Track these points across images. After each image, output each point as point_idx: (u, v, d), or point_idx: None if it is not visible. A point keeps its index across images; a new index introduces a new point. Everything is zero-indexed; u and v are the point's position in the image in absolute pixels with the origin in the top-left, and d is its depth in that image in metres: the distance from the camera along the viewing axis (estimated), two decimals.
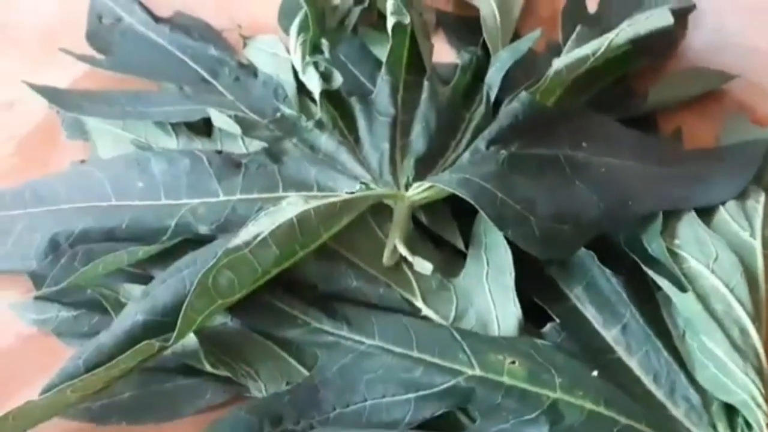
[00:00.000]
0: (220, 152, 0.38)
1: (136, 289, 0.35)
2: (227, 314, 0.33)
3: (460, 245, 0.36)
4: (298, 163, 0.38)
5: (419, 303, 0.34)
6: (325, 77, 0.42)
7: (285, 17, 0.47)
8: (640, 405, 0.30)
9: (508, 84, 0.40)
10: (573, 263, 0.34)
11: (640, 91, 0.45)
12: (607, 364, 0.32)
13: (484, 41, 0.44)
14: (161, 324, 0.31)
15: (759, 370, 0.30)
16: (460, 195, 0.33)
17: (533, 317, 0.33)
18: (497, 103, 0.40)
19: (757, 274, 0.33)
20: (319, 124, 0.40)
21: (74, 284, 0.34)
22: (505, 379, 0.30)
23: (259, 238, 0.30)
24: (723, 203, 0.36)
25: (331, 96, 0.41)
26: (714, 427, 0.30)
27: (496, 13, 0.46)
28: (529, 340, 0.32)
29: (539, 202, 0.33)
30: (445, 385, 0.30)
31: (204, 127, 0.42)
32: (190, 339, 0.33)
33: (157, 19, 0.49)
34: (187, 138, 0.41)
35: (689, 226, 0.34)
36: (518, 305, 0.32)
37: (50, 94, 0.43)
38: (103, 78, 0.47)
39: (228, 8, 0.51)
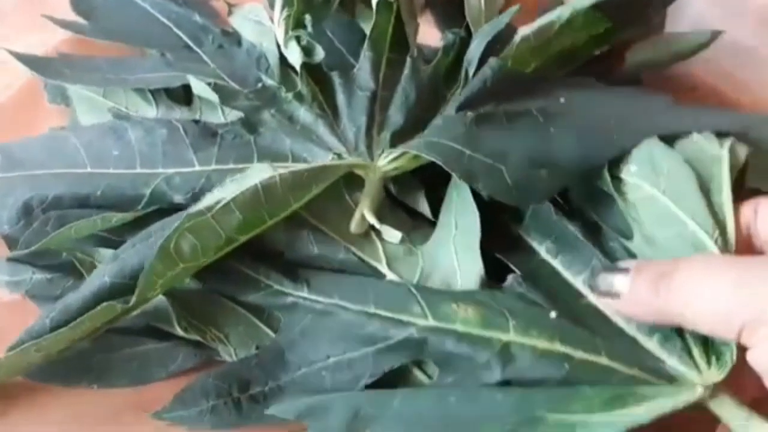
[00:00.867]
0: (197, 122, 0.38)
1: (109, 254, 0.35)
2: (194, 280, 0.34)
3: (428, 213, 0.36)
4: (274, 134, 0.38)
5: (384, 269, 0.34)
6: (307, 51, 0.41)
7: None
8: (611, 342, 0.30)
9: None
10: (540, 217, 0.34)
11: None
12: (578, 309, 0.31)
13: (468, 24, 0.44)
14: (128, 287, 0.31)
15: None
16: (426, 157, 0.33)
17: (500, 279, 0.33)
18: None
19: (722, 186, 0.31)
20: (299, 96, 0.40)
21: (46, 247, 0.34)
22: (458, 327, 0.30)
23: (221, 204, 0.31)
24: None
25: (312, 69, 0.40)
26: (689, 353, 0.29)
27: None
28: (489, 291, 0.32)
29: (511, 152, 0.33)
30: (400, 337, 0.31)
31: (184, 95, 0.42)
32: (161, 300, 0.34)
33: None
34: (166, 106, 0.41)
35: (646, 148, 0.33)
36: (481, 263, 0.32)
37: (31, 61, 0.43)
38: (86, 44, 0.47)
39: None
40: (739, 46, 0.49)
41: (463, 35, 0.43)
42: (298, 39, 0.42)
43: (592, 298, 0.31)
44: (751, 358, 0.26)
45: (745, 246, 0.30)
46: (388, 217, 0.35)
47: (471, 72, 0.39)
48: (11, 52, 0.43)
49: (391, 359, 0.31)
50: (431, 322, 0.31)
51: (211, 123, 0.38)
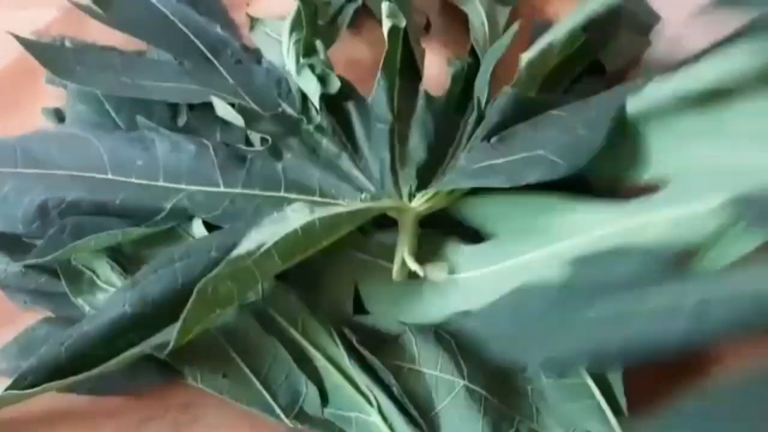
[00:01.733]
0: (227, 144, 0.38)
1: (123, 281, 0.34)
2: None
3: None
4: (301, 165, 0.38)
5: None
6: (322, 80, 0.41)
7: None
8: None
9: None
10: None
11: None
12: None
13: (472, 47, 0.44)
14: (149, 317, 0.31)
15: None
16: (464, 186, 0.33)
17: None
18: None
19: None
20: (320, 129, 0.40)
21: (66, 257, 0.33)
22: None
23: (263, 249, 0.30)
24: None
25: (327, 99, 0.40)
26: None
27: (484, 19, 0.46)
28: None
29: (542, 141, 0.33)
30: None
31: None
32: None
33: None
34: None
35: None
36: None
37: (39, 50, 0.40)
38: (79, 25, 0.46)
39: None
40: None
41: (470, 61, 0.44)
42: (312, 67, 0.41)
43: None
44: None
45: None
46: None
47: (483, 101, 0.40)
48: (17, 37, 0.41)
49: None
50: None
51: (241, 147, 0.38)
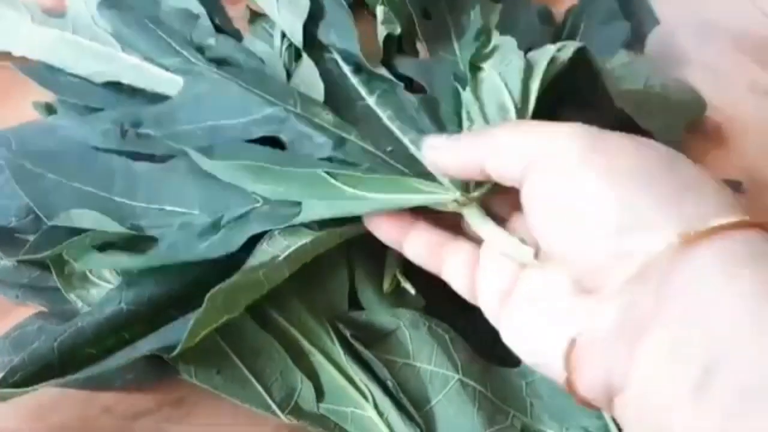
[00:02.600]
0: None
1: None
2: None
3: None
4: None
5: None
6: None
7: None
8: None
9: None
10: None
11: None
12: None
13: None
14: (145, 315, 0.31)
15: None
16: None
17: None
18: None
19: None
20: None
21: (59, 253, 0.33)
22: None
23: (275, 262, 0.31)
24: None
25: None
26: None
27: None
28: None
29: None
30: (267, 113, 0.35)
31: None
32: None
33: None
34: None
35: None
36: None
37: (43, 77, 0.41)
38: None
39: None
40: (709, 66, 0.52)
41: None
42: None
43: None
44: (523, 194, 0.27)
45: None
46: None
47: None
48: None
49: (261, 130, 0.35)
50: (299, 110, 0.35)
51: None
